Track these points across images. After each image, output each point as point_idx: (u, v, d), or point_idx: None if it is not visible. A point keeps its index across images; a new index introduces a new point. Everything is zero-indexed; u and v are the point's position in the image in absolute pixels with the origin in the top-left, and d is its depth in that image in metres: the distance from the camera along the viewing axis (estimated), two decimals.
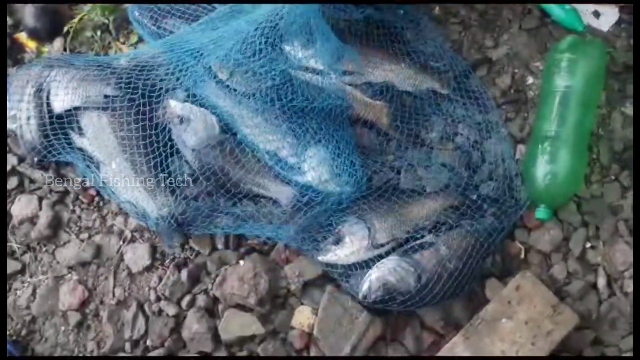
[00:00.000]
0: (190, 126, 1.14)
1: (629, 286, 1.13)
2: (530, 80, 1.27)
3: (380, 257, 1.13)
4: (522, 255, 1.17)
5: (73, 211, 1.29)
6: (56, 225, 1.28)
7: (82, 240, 1.26)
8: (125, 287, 1.23)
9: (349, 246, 1.12)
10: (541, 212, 1.14)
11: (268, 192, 1.18)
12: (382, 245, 1.14)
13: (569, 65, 1.15)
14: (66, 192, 1.30)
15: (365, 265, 1.13)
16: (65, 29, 1.43)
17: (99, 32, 1.41)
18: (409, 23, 1.30)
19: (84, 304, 1.23)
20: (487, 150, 1.22)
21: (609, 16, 1.28)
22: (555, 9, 1.26)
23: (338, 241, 1.13)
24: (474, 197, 1.18)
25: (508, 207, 1.17)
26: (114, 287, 1.23)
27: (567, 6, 1.26)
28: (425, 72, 1.26)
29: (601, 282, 1.14)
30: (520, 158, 1.21)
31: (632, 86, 1.23)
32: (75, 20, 1.43)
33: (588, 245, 1.16)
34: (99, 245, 1.26)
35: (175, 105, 1.16)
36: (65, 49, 1.41)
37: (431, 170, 1.20)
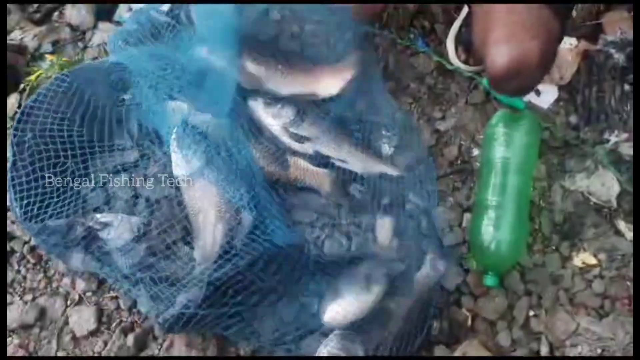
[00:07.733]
0: (114, 230, 1.13)
1: (571, 354, 1.16)
2: (475, 152, 1.32)
3: None
4: (469, 323, 1.19)
5: (18, 271, 1.26)
6: None
7: (26, 302, 1.23)
8: (69, 352, 1.19)
9: (348, 294, 1.12)
10: (489, 279, 1.17)
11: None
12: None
13: (503, 137, 1.21)
14: (12, 251, 1.27)
15: None
16: (22, 85, 1.43)
17: None
18: (363, 94, 1.34)
19: None
20: (435, 217, 1.25)
21: (548, 94, 1.36)
22: None
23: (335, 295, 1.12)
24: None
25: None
26: (57, 351, 1.19)
27: None
28: (376, 157, 1.28)
29: (544, 350, 1.16)
30: (467, 226, 1.25)
31: (633, 86, 1.29)
32: (32, 77, 1.43)
33: (531, 313, 1.19)
34: (43, 307, 1.22)
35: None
36: (19, 106, 1.40)
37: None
